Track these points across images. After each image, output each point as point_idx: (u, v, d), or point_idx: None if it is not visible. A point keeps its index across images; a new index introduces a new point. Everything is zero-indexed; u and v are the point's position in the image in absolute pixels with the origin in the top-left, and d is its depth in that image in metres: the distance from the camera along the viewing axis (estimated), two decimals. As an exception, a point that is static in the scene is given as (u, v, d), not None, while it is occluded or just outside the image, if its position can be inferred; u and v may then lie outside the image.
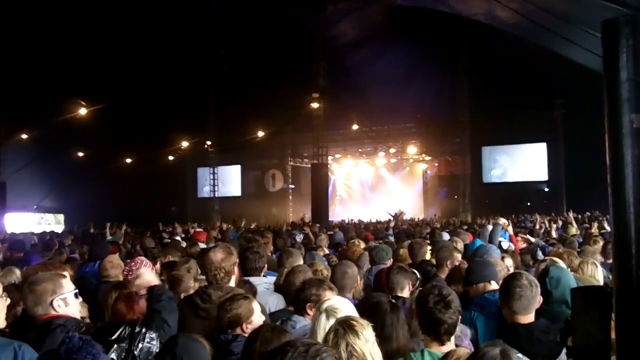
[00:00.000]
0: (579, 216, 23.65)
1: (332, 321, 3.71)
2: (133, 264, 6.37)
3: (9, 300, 4.18)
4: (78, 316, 4.34)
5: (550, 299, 4.83)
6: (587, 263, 6.92)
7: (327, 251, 11.06)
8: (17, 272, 7.00)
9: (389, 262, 8.06)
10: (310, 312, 4.70)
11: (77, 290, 4.33)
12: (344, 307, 3.96)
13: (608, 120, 1.43)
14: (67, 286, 4.24)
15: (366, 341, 3.36)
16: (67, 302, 4.16)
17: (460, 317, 3.97)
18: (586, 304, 1.39)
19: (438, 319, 3.80)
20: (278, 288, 6.37)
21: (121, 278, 6.50)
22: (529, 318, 4.23)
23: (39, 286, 4.09)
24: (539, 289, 4.40)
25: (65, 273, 4.73)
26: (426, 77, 32.35)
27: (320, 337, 3.66)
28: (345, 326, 3.43)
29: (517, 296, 4.24)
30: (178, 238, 15.50)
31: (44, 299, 4.04)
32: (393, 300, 4.81)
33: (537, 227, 16.53)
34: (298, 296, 4.93)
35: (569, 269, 6.69)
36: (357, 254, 8.87)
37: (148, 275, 4.95)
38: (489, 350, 2.89)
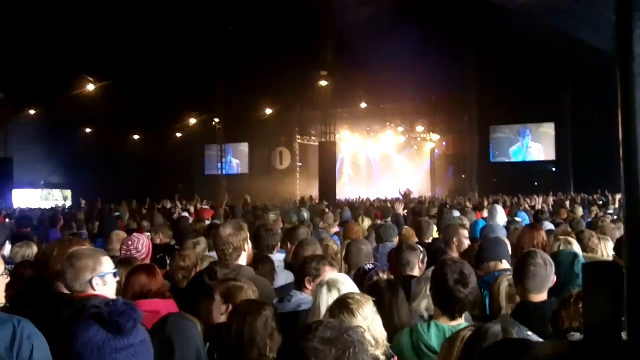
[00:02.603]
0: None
1: (334, 294, 3.72)
2: (130, 242, 6.42)
3: (8, 279, 4.12)
4: (114, 297, 3.97)
5: (559, 279, 4.81)
6: (602, 240, 6.94)
7: (335, 229, 11.05)
8: (34, 247, 7.02)
9: (396, 240, 8.06)
10: (309, 286, 4.72)
11: (116, 270, 4.12)
12: (346, 280, 3.97)
13: (621, 95, 1.42)
14: (107, 265, 4.01)
15: (364, 319, 3.31)
16: (105, 281, 3.94)
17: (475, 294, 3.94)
18: (597, 280, 1.38)
19: (457, 298, 3.75)
20: (289, 265, 6.40)
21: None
22: (541, 297, 4.21)
23: (80, 262, 3.89)
24: (553, 268, 4.37)
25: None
26: (435, 56, 32.11)
27: (323, 311, 3.66)
28: (340, 306, 3.41)
29: (532, 275, 4.19)
30: (185, 214, 15.59)
31: (83, 275, 3.85)
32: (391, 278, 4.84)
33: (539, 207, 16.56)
34: (300, 271, 4.95)
35: (591, 250, 6.72)
36: (357, 233, 8.80)
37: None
38: (491, 327, 2.88)
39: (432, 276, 4.01)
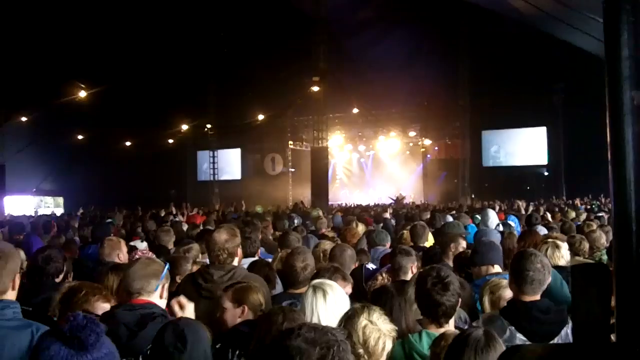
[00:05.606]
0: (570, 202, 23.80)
1: (319, 296, 3.78)
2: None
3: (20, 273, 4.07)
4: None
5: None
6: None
7: (330, 235, 11.04)
8: (22, 253, 6.94)
9: (388, 245, 8.08)
10: None
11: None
12: (333, 284, 4.00)
13: (609, 98, 1.43)
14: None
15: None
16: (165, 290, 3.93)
17: (460, 299, 3.94)
18: (586, 281, 1.39)
19: (436, 301, 3.78)
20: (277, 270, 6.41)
21: (118, 260, 6.50)
22: (534, 297, 4.21)
23: (153, 266, 3.90)
24: (550, 270, 4.36)
25: None
26: (427, 61, 32.13)
27: (307, 312, 3.75)
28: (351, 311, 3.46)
29: (529, 279, 4.17)
30: (178, 218, 15.60)
31: (155, 279, 3.83)
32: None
33: (523, 212, 16.62)
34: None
35: (583, 254, 6.75)
36: (357, 237, 8.88)
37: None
38: (474, 331, 2.90)
39: (414, 285, 4.04)
